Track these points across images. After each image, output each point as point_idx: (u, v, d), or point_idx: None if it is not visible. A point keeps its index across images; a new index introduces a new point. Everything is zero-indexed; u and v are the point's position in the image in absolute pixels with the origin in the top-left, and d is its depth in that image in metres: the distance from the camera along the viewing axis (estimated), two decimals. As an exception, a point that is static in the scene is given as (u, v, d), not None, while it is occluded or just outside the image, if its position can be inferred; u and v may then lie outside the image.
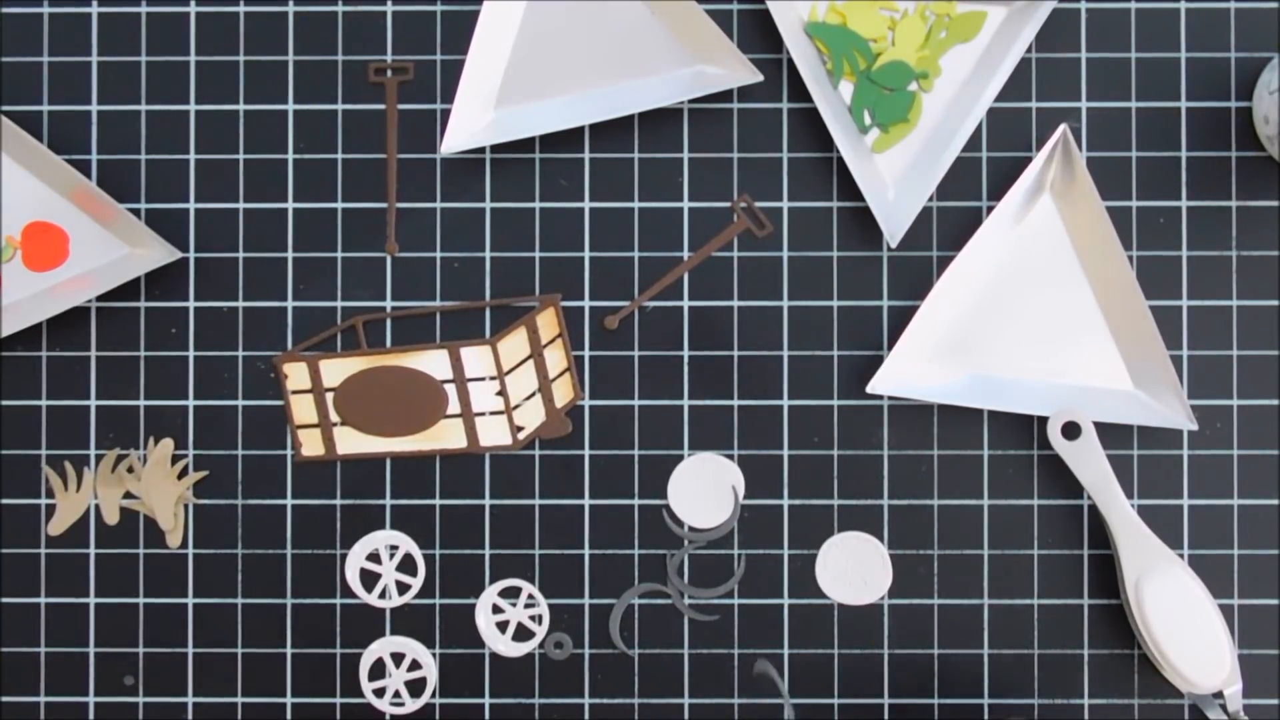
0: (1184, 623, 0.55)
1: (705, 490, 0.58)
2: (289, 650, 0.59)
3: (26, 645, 0.59)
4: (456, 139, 0.58)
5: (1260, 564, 0.58)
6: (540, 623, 0.59)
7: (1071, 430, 0.58)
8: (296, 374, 0.59)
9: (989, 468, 0.58)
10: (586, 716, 0.59)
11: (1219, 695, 0.56)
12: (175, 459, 0.59)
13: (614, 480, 0.59)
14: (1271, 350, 0.58)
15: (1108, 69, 0.59)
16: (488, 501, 0.59)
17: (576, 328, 0.59)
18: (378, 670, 0.59)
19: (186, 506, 0.59)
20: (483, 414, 0.59)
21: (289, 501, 0.59)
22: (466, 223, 0.59)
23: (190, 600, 0.59)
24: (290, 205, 0.59)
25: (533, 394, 0.59)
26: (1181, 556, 0.58)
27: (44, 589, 0.59)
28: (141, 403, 0.59)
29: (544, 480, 0.59)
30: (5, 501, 0.59)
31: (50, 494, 0.59)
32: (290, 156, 0.59)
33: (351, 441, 0.59)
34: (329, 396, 0.59)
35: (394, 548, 0.59)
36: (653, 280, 0.59)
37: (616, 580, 0.59)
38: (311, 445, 0.59)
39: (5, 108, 0.59)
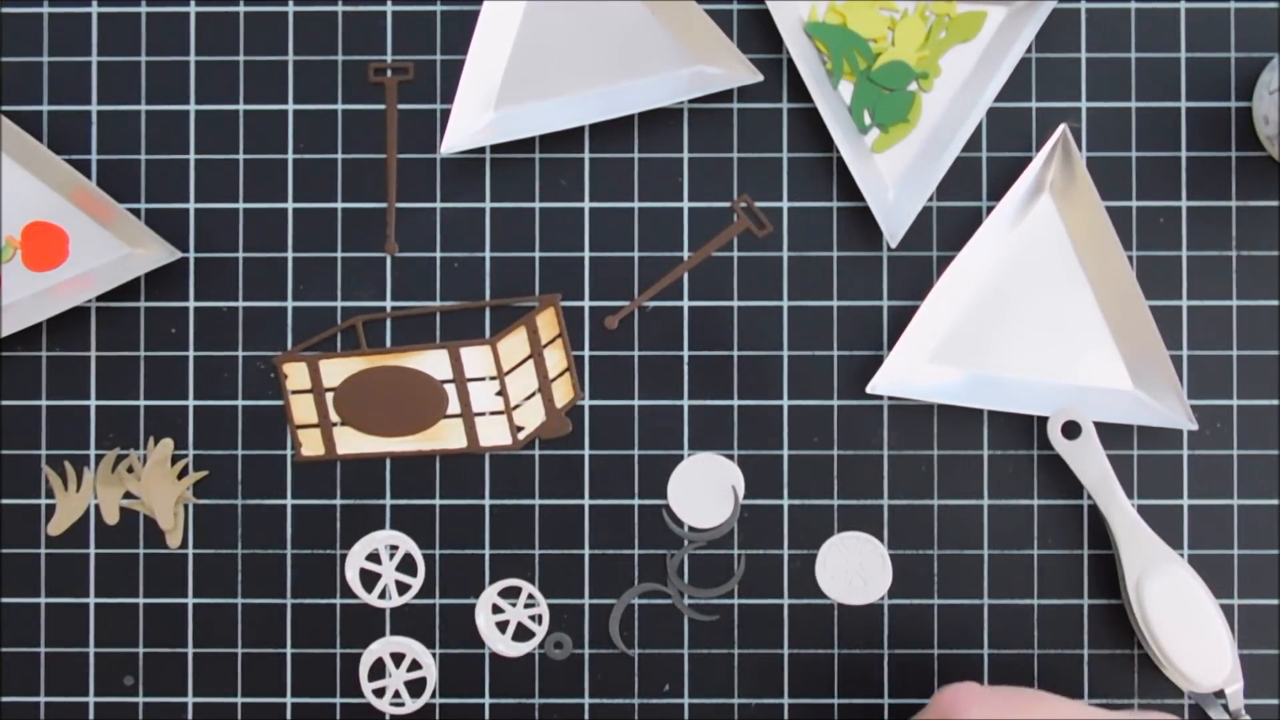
0: (1185, 622, 0.55)
1: (705, 490, 0.58)
2: (289, 650, 0.59)
3: (26, 645, 0.59)
4: (456, 139, 0.58)
5: (1260, 564, 0.58)
6: (540, 623, 0.59)
7: (1071, 430, 0.58)
8: (296, 374, 0.59)
9: (989, 468, 0.58)
10: (586, 716, 0.59)
11: (1220, 694, 0.56)
12: (175, 459, 0.59)
13: (614, 480, 0.59)
14: (1271, 350, 0.58)
15: (1108, 69, 0.59)
16: (488, 501, 0.59)
17: (576, 328, 0.59)
18: (378, 670, 0.59)
19: (186, 506, 0.59)
20: (483, 414, 0.59)
21: (289, 501, 0.59)
22: (466, 223, 0.59)
23: (190, 600, 0.59)
24: (290, 205, 0.59)
25: (533, 394, 0.59)
26: (1181, 556, 0.58)
27: (44, 589, 0.59)
28: (141, 403, 0.59)
29: (544, 480, 0.59)
30: (5, 501, 0.59)
31: (50, 494, 0.59)
32: (290, 156, 0.59)
33: (351, 441, 0.59)
34: (329, 396, 0.59)
35: (394, 548, 0.59)
36: (653, 280, 0.59)
37: (616, 580, 0.59)
38: (311, 445, 0.59)
39: (5, 108, 0.59)
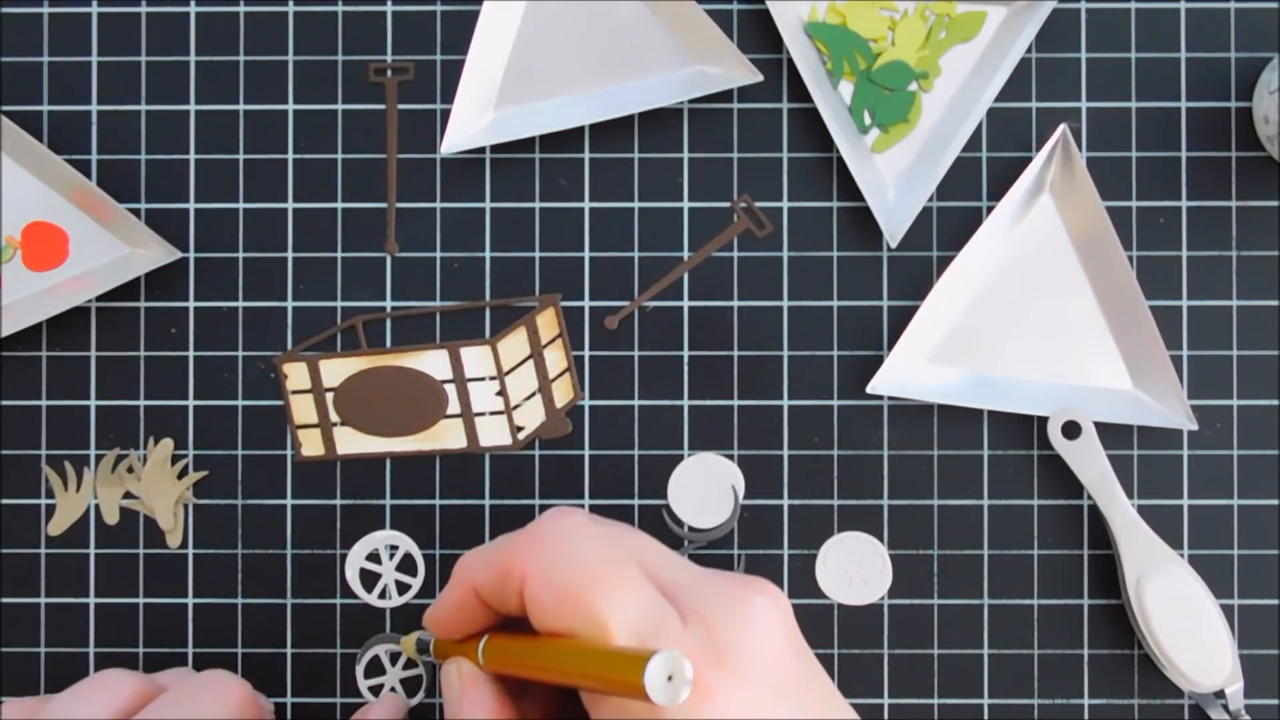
0: (1185, 621, 0.55)
1: (705, 490, 0.58)
2: (289, 650, 0.59)
3: (26, 645, 0.59)
4: (456, 139, 0.58)
5: (1260, 564, 0.58)
6: (540, 623, 0.59)
7: (1071, 430, 0.58)
8: (296, 374, 0.59)
9: (989, 468, 0.58)
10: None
11: (1220, 694, 0.56)
12: (175, 459, 0.59)
13: (614, 480, 0.59)
14: (1271, 350, 0.58)
15: (1108, 69, 0.59)
16: (488, 501, 0.59)
17: (576, 328, 0.59)
18: (375, 668, 0.59)
19: (186, 506, 0.59)
20: (483, 414, 0.59)
21: (289, 501, 0.59)
22: (466, 223, 0.59)
23: (190, 600, 0.59)
24: (290, 205, 0.59)
25: (533, 394, 0.59)
26: (1181, 556, 0.58)
27: (44, 589, 0.59)
28: (141, 403, 0.59)
29: (544, 480, 0.59)
30: (5, 501, 0.59)
31: (50, 494, 0.59)
32: (290, 156, 0.59)
33: (351, 441, 0.59)
34: (329, 396, 0.59)
35: (394, 548, 0.59)
36: (653, 280, 0.59)
37: (616, 580, 0.59)
38: (311, 445, 0.59)
39: (5, 108, 0.59)
